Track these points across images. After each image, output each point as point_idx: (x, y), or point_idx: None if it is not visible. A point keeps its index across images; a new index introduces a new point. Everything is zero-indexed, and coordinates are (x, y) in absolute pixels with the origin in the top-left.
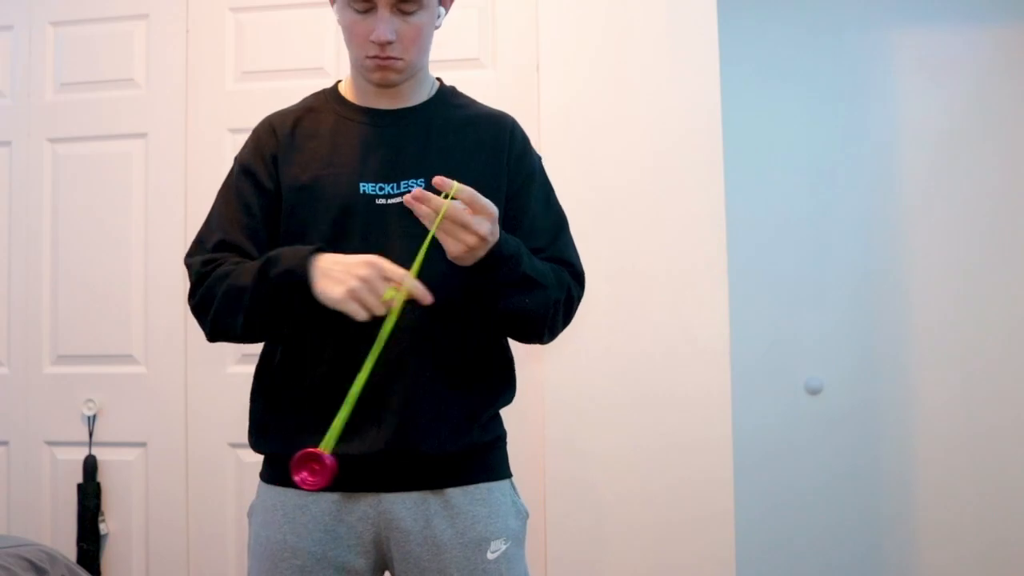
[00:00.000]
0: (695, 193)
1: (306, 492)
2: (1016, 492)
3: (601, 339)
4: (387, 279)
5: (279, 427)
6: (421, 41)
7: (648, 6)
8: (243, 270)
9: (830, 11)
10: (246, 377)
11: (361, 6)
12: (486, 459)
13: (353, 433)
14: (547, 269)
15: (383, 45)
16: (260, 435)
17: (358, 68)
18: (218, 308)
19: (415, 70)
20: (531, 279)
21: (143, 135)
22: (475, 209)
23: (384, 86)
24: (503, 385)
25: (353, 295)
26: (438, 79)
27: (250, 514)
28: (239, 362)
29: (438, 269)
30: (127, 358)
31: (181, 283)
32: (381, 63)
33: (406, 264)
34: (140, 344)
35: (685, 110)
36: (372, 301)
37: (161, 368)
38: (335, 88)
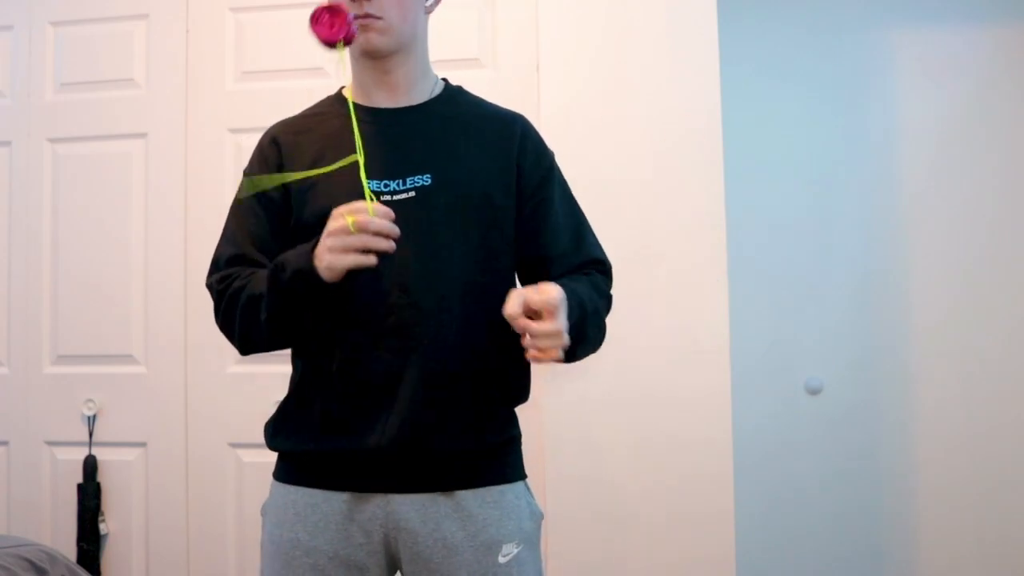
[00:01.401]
0: (695, 193)
1: (318, 491)
2: (1016, 491)
3: None
4: (351, 214)
5: (293, 426)
6: (403, 3)
7: (648, 6)
8: (255, 280)
9: (830, 11)
10: (246, 377)
11: None
12: (499, 460)
13: (363, 426)
14: (587, 292)
15: (360, 2)
16: (275, 434)
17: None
18: (241, 322)
19: (400, 39)
20: (594, 318)
21: (143, 135)
22: (548, 311)
23: (369, 53)
24: (518, 383)
25: (331, 254)
26: (443, 79)
27: (263, 513)
28: (239, 362)
29: (448, 267)
30: (127, 358)
31: (181, 283)
32: (362, 22)
33: (414, 263)
34: (140, 344)
35: (685, 110)
36: (355, 242)
37: (161, 368)
38: (339, 92)
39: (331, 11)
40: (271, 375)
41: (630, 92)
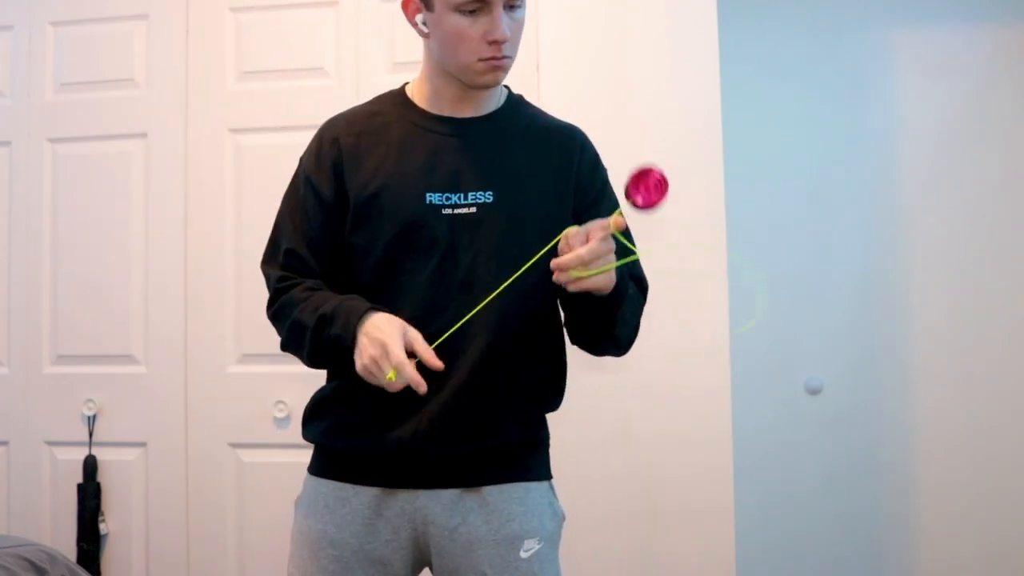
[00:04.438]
0: (695, 193)
1: (348, 485)
2: (1015, 491)
3: None
4: (389, 360)
5: (328, 421)
6: (521, 36)
7: (648, 6)
8: (308, 309)
9: (830, 11)
10: (246, 377)
11: (473, 6)
12: (525, 458)
13: (397, 426)
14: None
15: (501, 44)
16: (310, 424)
17: (463, 74)
18: (286, 338)
19: None
20: (631, 303)
21: (143, 135)
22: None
23: (491, 87)
24: (551, 391)
25: (364, 371)
26: (506, 86)
27: (297, 505)
28: (239, 362)
29: (515, 291)
30: (127, 358)
31: (181, 283)
32: (496, 63)
33: (475, 278)
34: (140, 344)
35: (685, 110)
36: (379, 379)
37: (161, 368)
38: (403, 92)
39: (653, 180)
40: (271, 375)
41: (630, 92)
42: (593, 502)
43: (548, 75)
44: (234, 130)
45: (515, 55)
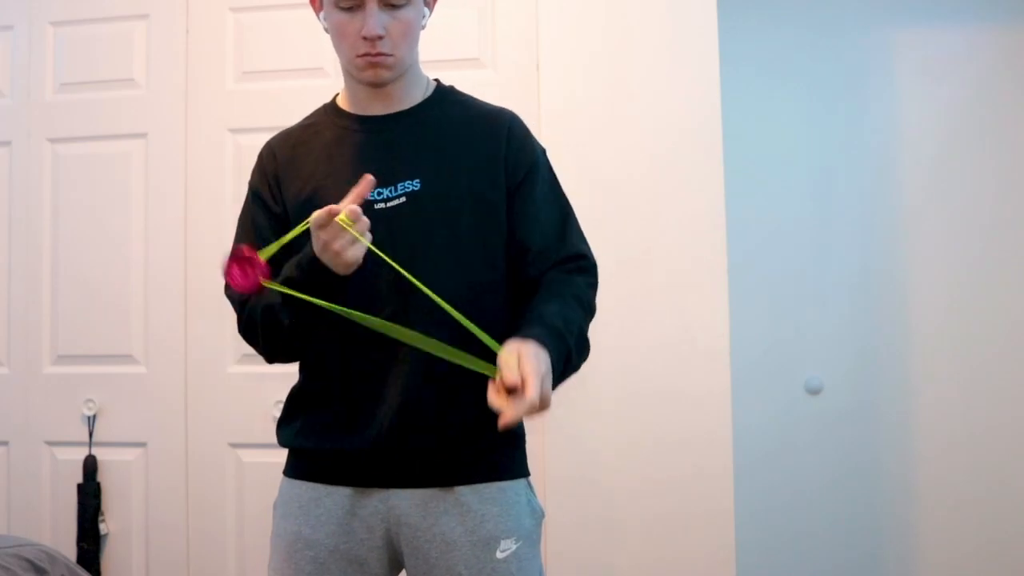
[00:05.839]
0: (695, 193)
1: (321, 486)
2: (1016, 491)
3: (602, 338)
4: (333, 217)
5: (297, 424)
6: (410, 36)
7: (648, 6)
8: (271, 293)
9: (830, 11)
10: (246, 377)
11: (348, 3)
12: (499, 458)
13: (360, 425)
14: (574, 315)
15: (374, 41)
16: (282, 429)
17: (350, 70)
18: (263, 333)
19: (405, 67)
20: (579, 344)
21: (143, 135)
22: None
23: (376, 84)
24: None
25: (327, 248)
26: (436, 80)
27: (274, 507)
28: (239, 362)
29: (447, 269)
30: (127, 358)
31: (181, 283)
32: (372, 60)
33: (408, 267)
34: (140, 344)
35: (685, 110)
36: (339, 245)
37: (161, 368)
38: (333, 100)
39: (239, 261)
40: (271, 375)
41: (630, 92)
42: (593, 504)
43: (548, 75)
44: (234, 130)
45: (403, 54)
